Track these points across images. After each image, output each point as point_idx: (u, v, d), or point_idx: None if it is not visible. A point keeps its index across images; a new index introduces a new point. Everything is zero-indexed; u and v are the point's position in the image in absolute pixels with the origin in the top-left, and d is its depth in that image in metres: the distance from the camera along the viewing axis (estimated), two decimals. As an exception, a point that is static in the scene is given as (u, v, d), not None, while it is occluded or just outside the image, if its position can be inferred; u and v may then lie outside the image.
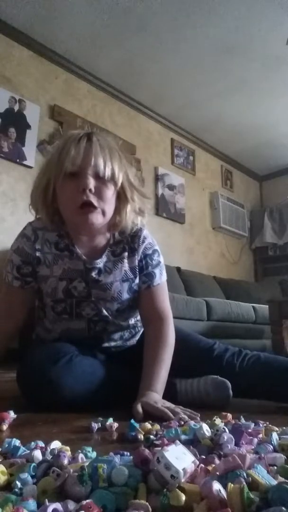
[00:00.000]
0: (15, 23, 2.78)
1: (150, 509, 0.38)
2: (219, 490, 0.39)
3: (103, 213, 0.93)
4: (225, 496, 0.38)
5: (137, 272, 1.05)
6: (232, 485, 0.40)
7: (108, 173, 0.91)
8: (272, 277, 4.75)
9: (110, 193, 0.94)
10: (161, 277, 1.08)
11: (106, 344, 1.11)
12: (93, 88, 3.40)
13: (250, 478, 0.42)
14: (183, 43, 2.94)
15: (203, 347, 1.14)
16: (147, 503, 0.38)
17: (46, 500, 0.39)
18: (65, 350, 0.97)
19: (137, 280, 1.05)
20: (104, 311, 1.03)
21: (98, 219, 0.93)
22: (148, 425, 0.75)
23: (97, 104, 3.44)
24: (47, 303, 1.03)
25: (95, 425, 0.78)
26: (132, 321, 1.13)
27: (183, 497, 0.39)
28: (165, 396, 0.95)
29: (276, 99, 3.60)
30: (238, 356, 1.09)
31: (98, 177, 0.91)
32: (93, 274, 1.00)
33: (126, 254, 1.04)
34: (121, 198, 0.99)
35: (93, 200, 0.90)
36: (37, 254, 1.00)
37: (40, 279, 1.01)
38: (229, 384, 1.02)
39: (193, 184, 4.31)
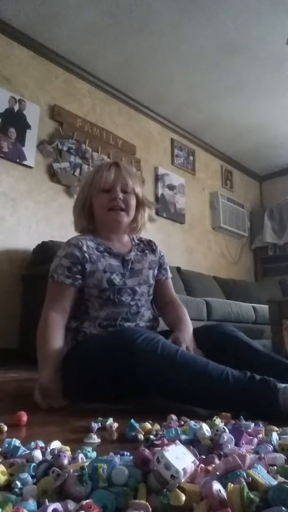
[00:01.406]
0: (15, 23, 2.78)
1: (150, 509, 0.38)
2: (219, 490, 0.39)
3: (128, 214, 1.30)
4: (225, 496, 0.38)
5: (158, 265, 1.38)
6: (232, 485, 0.40)
7: (131, 188, 1.29)
8: (272, 277, 4.75)
9: (133, 202, 1.31)
10: (170, 273, 1.44)
11: (142, 325, 1.28)
12: (93, 88, 3.40)
13: (250, 478, 0.42)
14: (183, 43, 2.94)
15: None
16: (147, 503, 0.38)
17: (46, 500, 0.39)
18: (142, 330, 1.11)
19: (156, 271, 1.37)
20: (138, 295, 1.27)
21: (123, 218, 1.29)
22: (148, 425, 0.75)
23: (97, 104, 3.44)
24: (93, 293, 1.24)
25: (95, 425, 0.78)
26: (149, 308, 1.35)
27: (183, 497, 0.39)
28: (262, 408, 0.84)
29: (276, 99, 3.60)
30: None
31: (125, 192, 1.28)
32: (130, 264, 1.29)
33: (147, 251, 1.38)
34: (138, 208, 1.35)
35: (121, 204, 1.27)
36: (85, 255, 1.24)
37: (88, 274, 1.23)
38: None
39: (193, 184, 4.32)
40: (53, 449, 0.58)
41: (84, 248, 1.24)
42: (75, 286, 1.22)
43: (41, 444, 0.60)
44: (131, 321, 1.25)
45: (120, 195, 1.26)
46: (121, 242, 1.34)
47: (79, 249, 1.23)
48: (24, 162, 2.77)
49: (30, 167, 2.81)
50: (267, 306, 2.81)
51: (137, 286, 1.27)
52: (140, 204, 1.35)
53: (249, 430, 0.68)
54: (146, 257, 1.35)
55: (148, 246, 1.40)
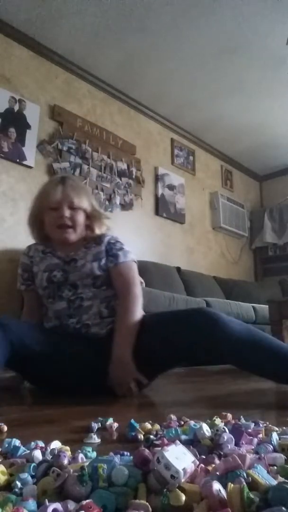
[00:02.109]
0: (15, 23, 2.78)
1: (150, 509, 0.38)
2: (219, 490, 0.39)
3: (75, 231, 1.35)
4: (225, 496, 0.38)
5: (104, 255, 1.36)
6: (232, 485, 0.40)
7: (78, 204, 1.34)
8: (272, 277, 4.75)
9: (80, 218, 1.36)
10: (125, 257, 1.37)
11: (86, 320, 1.28)
12: (93, 88, 3.40)
13: (250, 478, 0.42)
14: (183, 43, 2.94)
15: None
16: (147, 503, 0.38)
17: (46, 500, 0.39)
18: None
19: (104, 260, 1.35)
20: (80, 289, 1.31)
21: (71, 235, 1.34)
22: (148, 425, 0.75)
23: (97, 104, 3.44)
24: (41, 293, 1.36)
25: (95, 425, 0.78)
26: (107, 299, 1.34)
27: (183, 497, 0.39)
28: None
29: (276, 99, 3.60)
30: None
31: (72, 208, 1.33)
32: (71, 263, 1.34)
33: (94, 245, 1.39)
34: (91, 219, 1.40)
35: (68, 222, 1.33)
36: (31, 259, 1.41)
37: (35, 275, 1.38)
38: None
39: (193, 184, 4.31)
40: (53, 449, 0.58)
41: (31, 253, 1.42)
42: (30, 290, 1.42)
43: (41, 444, 0.60)
44: (74, 317, 1.29)
45: (67, 213, 1.31)
46: (72, 247, 1.38)
47: (26, 256, 1.43)
48: (24, 162, 2.77)
49: (30, 167, 2.81)
50: (267, 306, 2.80)
51: (78, 281, 1.31)
52: (92, 216, 1.40)
53: (249, 430, 0.68)
54: (90, 251, 1.36)
55: (97, 240, 1.40)
